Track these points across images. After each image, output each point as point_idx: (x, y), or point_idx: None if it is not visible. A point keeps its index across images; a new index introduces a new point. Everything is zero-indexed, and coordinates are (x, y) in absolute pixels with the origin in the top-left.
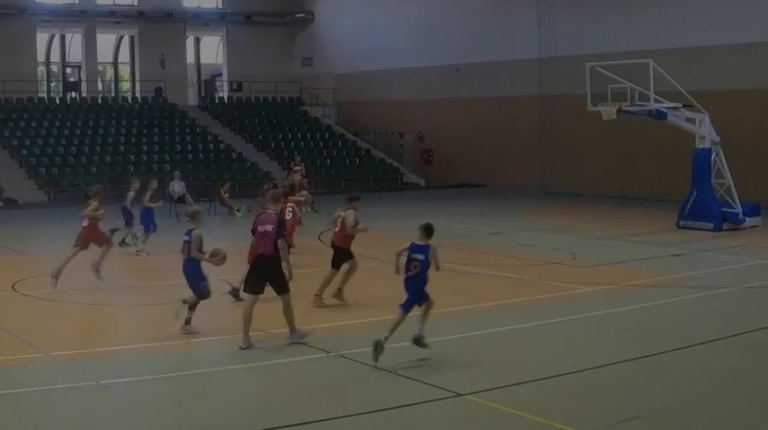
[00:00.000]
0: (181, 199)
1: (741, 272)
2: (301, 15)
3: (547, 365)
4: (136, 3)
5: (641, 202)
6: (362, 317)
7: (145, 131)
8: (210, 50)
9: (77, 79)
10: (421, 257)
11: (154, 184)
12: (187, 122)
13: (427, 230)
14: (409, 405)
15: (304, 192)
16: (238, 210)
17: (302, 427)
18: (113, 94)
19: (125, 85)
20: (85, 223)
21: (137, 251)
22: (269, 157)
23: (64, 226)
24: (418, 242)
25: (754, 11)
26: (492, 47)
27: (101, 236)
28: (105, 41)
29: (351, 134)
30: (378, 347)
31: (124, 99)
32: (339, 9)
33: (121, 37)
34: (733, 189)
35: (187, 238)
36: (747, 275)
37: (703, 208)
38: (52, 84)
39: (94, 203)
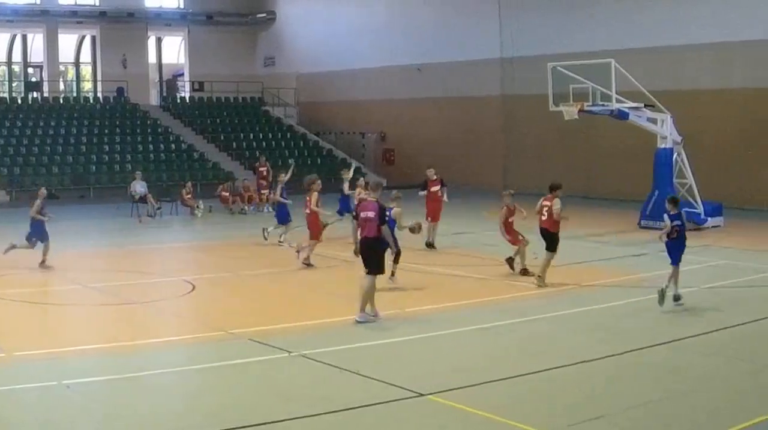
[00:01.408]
0: (143, 200)
1: (703, 272)
2: (263, 15)
3: (510, 365)
4: (97, 3)
5: (604, 202)
6: (323, 317)
7: (106, 131)
8: (172, 50)
9: (39, 79)
10: (678, 222)
11: (284, 177)
12: (148, 122)
13: (674, 201)
14: (371, 405)
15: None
16: (198, 207)
17: (264, 427)
18: (75, 94)
19: (87, 85)
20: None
21: (279, 242)
22: (231, 157)
23: (26, 226)
24: (672, 212)
25: (716, 12)
26: (454, 47)
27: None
28: (67, 41)
29: (313, 134)
30: (661, 294)
31: (86, 99)
32: (301, 9)
33: (83, 37)
34: (695, 189)
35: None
36: (709, 275)
37: (664, 209)
38: (14, 84)
39: (37, 203)
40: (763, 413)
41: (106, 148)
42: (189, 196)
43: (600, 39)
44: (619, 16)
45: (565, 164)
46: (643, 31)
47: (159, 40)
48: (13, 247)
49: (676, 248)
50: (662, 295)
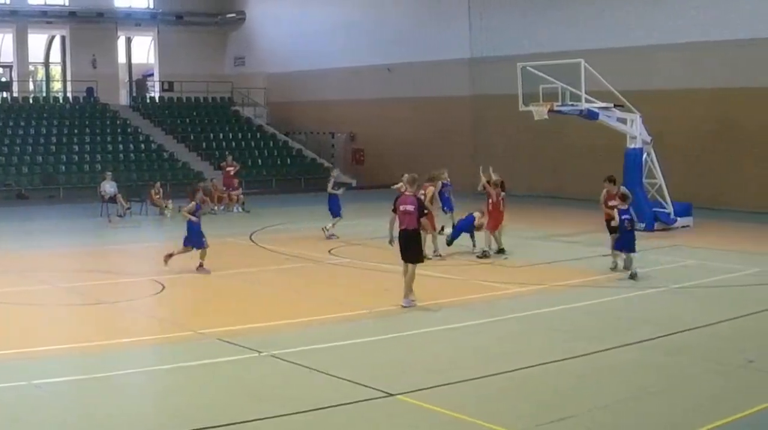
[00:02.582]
0: (113, 200)
1: (672, 271)
2: (233, 15)
3: (479, 365)
4: (67, 3)
5: (573, 202)
6: (293, 316)
7: (76, 131)
8: (141, 50)
9: (8, 79)
10: (627, 216)
11: (335, 172)
12: (118, 122)
13: (624, 197)
14: (340, 405)
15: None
16: (167, 207)
17: (234, 427)
18: (44, 94)
19: (57, 85)
20: None
21: (329, 236)
22: (200, 157)
23: None
24: (621, 208)
25: (685, 12)
26: (423, 47)
27: None
28: (36, 41)
29: (282, 134)
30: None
31: (56, 99)
32: (271, 9)
33: (53, 37)
34: (665, 189)
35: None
36: (678, 275)
37: (634, 208)
38: None
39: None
40: (731, 413)
41: (76, 148)
42: (158, 196)
43: (570, 39)
44: (588, 16)
45: (534, 164)
46: (612, 31)
47: (129, 40)
48: (171, 255)
49: (632, 238)
50: (633, 275)
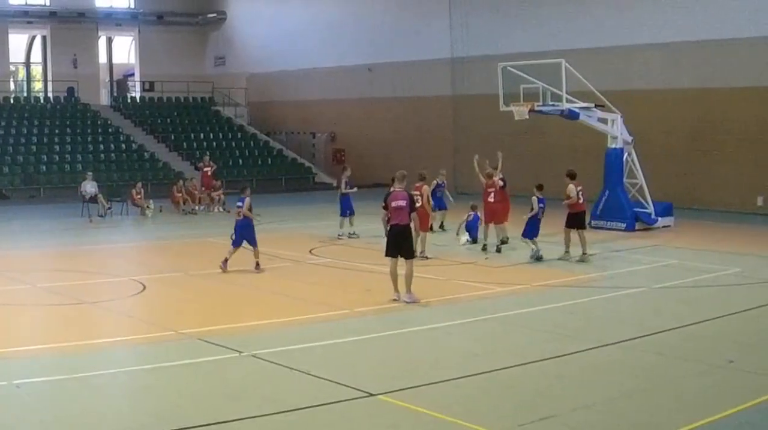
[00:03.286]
0: (93, 200)
1: (653, 271)
2: (213, 15)
3: (460, 365)
4: (48, 3)
5: (554, 202)
6: (273, 316)
7: (57, 131)
8: (122, 50)
9: None
10: (542, 205)
11: (348, 171)
12: (99, 122)
13: (540, 187)
14: (321, 405)
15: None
16: (148, 207)
17: (214, 427)
18: (25, 94)
19: (37, 85)
20: None
21: (350, 234)
22: (181, 156)
23: None
24: (539, 196)
25: (664, 12)
26: (404, 47)
27: None
28: (17, 41)
29: (263, 134)
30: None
31: (37, 99)
32: (251, 9)
33: (34, 37)
34: (646, 189)
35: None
36: (659, 275)
37: (615, 209)
38: None
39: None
40: (711, 413)
41: (57, 148)
42: (139, 196)
43: (550, 39)
44: (569, 16)
45: (515, 164)
46: (593, 32)
47: (109, 40)
48: (226, 261)
49: (537, 226)
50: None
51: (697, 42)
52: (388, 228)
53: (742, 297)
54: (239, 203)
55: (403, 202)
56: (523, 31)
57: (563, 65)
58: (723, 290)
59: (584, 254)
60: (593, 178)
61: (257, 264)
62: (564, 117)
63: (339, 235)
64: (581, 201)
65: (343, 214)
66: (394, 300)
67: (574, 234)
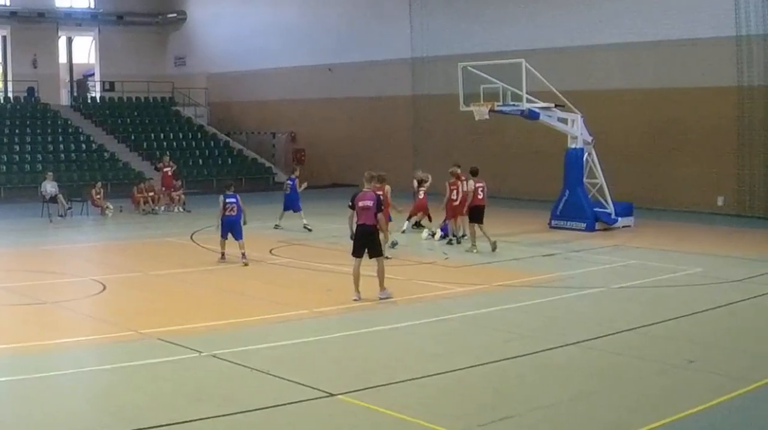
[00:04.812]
0: (53, 200)
1: (613, 272)
2: (174, 15)
3: (420, 365)
4: (8, 3)
5: (514, 202)
6: (234, 317)
7: (17, 131)
8: (82, 50)
9: None
10: (232, 200)
11: (298, 172)
12: (59, 122)
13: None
14: (282, 405)
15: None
16: (107, 207)
17: (175, 427)
18: None
19: None
20: None
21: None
22: (141, 156)
23: None
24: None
25: (625, 12)
26: (365, 47)
27: None
28: None
29: (223, 134)
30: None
31: None
32: (211, 9)
33: None
34: (606, 189)
35: None
36: (619, 275)
37: (575, 209)
38: None
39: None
40: (670, 413)
41: (17, 148)
42: (99, 196)
43: (511, 39)
44: (529, 16)
45: (475, 164)
46: (553, 32)
47: (70, 40)
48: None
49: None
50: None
51: (657, 42)
52: (355, 228)
53: (702, 297)
54: (232, 199)
55: (369, 203)
56: (483, 31)
57: (524, 65)
58: (683, 290)
59: (473, 245)
60: (553, 178)
61: (243, 254)
62: (524, 117)
63: (276, 225)
64: (480, 197)
65: (287, 208)
66: (355, 300)
67: (476, 228)
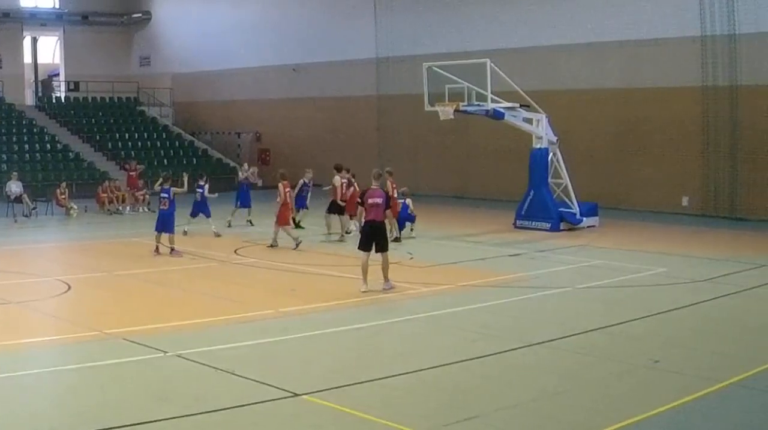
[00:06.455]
0: (18, 200)
1: (578, 272)
2: (138, 15)
3: (385, 365)
4: None
5: (479, 202)
6: (199, 316)
7: None
8: (47, 50)
9: None
10: (166, 195)
11: (246, 167)
12: (24, 122)
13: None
14: (246, 405)
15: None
16: (72, 207)
17: (139, 427)
18: None
19: None
20: None
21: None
22: (106, 156)
23: None
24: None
25: (591, 12)
26: (329, 47)
27: None
28: None
29: (188, 134)
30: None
31: None
32: (176, 9)
33: None
34: (571, 189)
35: None
36: (584, 275)
37: (540, 209)
38: None
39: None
40: (634, 413)
41: None
42: (63, 196)
43: (476, 39)
44: (494, 16)
45: (439, 164)
46: (518, 32)
47: (34, 40)
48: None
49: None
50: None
51: (621, 42)
52: (363, 223)
53: (667, 297)
54: (164, 194)
55: (379, 200)
56: (448, 31)
57: (488, 65)
58: (648, 290)
59: (342, 235)
60: (517, 178)
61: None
62: (489, 117)
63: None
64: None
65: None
66: (363, 292)
67: (333, 219)
